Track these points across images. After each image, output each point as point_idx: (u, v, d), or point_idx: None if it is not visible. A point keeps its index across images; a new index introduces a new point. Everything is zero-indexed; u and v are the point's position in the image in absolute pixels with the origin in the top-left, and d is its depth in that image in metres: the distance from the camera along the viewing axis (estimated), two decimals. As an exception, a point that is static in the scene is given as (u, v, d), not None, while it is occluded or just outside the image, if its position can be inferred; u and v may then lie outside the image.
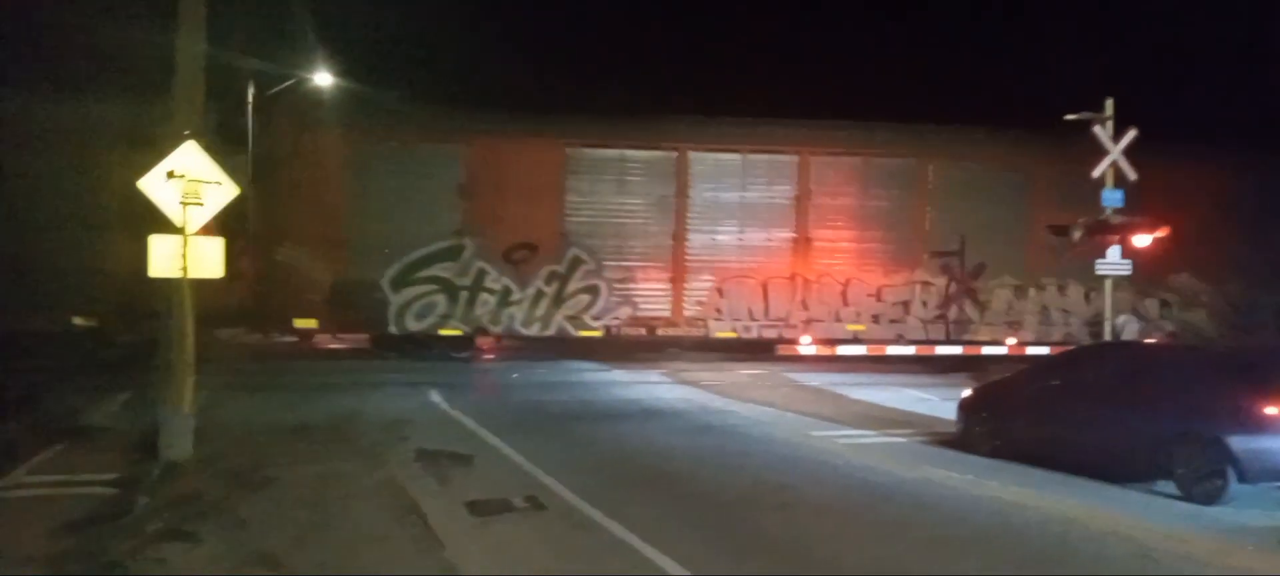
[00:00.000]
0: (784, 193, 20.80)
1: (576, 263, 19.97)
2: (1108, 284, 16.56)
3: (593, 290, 20.02)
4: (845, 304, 20.81)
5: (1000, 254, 21.28)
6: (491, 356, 20.85)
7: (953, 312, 21.17)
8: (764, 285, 20.57)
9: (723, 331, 20.44)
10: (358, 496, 8.36)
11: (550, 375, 18.37)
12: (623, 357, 20.28)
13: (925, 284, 21.09)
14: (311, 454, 10.15)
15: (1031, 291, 21.41)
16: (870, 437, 12.12)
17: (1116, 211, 16.07)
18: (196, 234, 9.36)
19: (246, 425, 11.88)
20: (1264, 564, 6.92)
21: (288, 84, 22.00)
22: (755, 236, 20.63)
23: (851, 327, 20.79)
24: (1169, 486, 8.96)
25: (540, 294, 19.86)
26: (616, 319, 20.12)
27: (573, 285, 19.95)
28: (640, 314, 20.24)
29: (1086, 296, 21.06)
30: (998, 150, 21.22)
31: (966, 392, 12.13)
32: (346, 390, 15.22)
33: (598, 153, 20.28)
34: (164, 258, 9.27)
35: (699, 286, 20.38)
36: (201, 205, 9.33)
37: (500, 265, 19.70)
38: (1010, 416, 10.92)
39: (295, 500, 8.16)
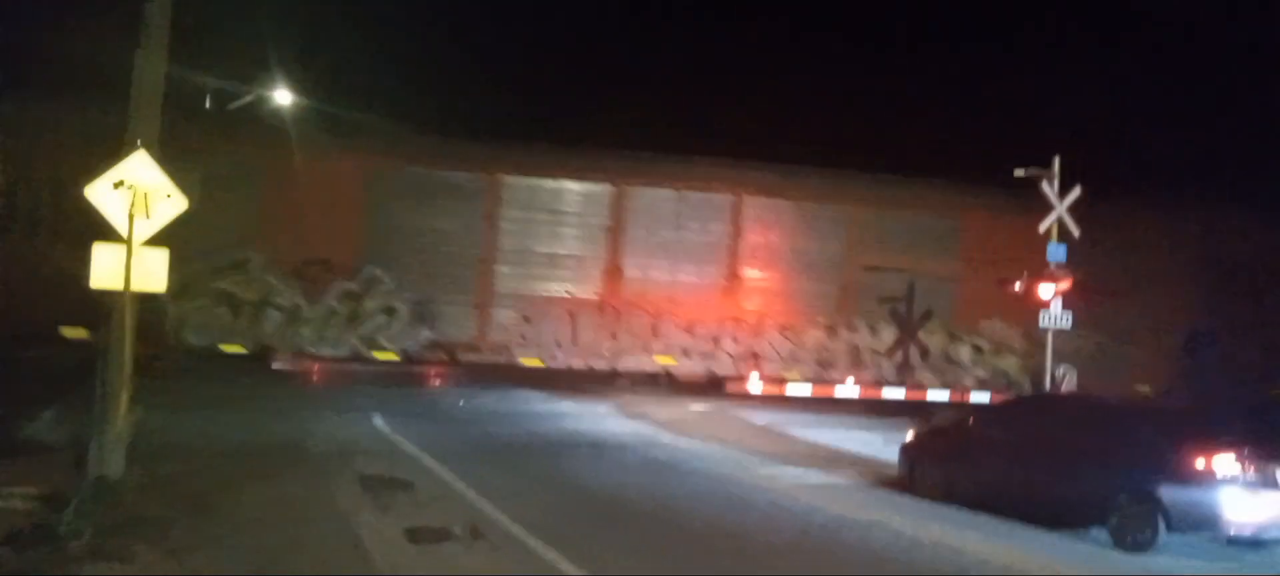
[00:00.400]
0: (598, 219, 20.68)
1: (373, 282, 19.52)
2: (1049, 336, 16.99)
3: (390, 311, 19.57)
4: (654, 336, 20.71)
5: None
6: (438, 382, 20.63)
7: (898, 358, 21.53)
8: (572, 314, 20.40)
9: (528, 359, 20.25)
10: (296, 521, 8.18)
11: (497, 404, 18.23)
12: (571, 389, 20.20)
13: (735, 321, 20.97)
14: (249, 476, 9.92)
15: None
16: (817, 477, 12.21)
17: (1059, 266, 16.53)
18: (143, 245, 9.15)
19: (185, 444, 11.59)
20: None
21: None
22: (569, 263, 20.42)
23: (661, 360, 20.78)
24: (1102, 534, 9.16)
25: (332, 312, 19.28)
26: (414, 342, 19.71)
27: (369, 304, 19.49)
28: (442, 338, 19.89)
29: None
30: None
31: (909, 437, 12.30)
32: (289, 413, 14.92)
33: (409, 171, 19.85)
34: (107, 268, 9.03)
35: (504, 313, 20.11)
36: (149, 217, 9.14)
37: (290, 280, 19.00)
38: (951, 462, 11.08)
39: (231, 524, 7.96)
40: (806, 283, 21.53)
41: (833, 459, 13.92)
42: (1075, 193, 16.58)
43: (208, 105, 20.41)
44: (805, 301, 21.50)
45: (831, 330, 21.53)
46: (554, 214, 20.44)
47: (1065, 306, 16.55)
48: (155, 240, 9.20)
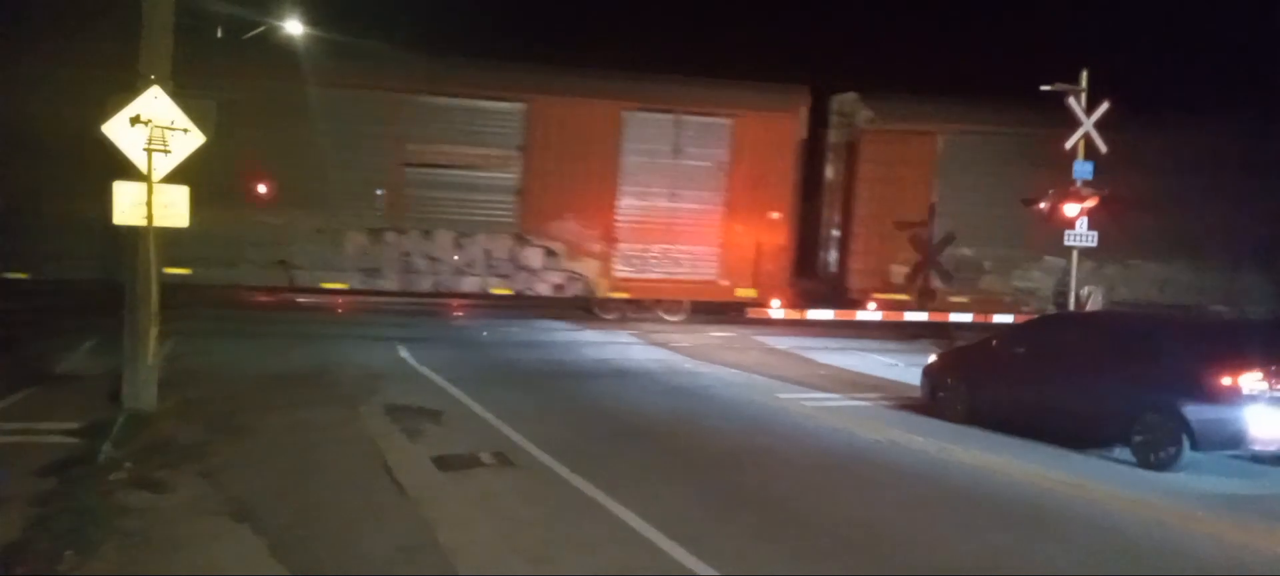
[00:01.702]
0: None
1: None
2: (1074, 255, 16.81)
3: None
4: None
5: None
6: (461, 314, 20.79)
7: (919, 281, 21.40)
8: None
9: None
10: (327, 448, 8.35)
11: (520, 334, 18.36)
12: (594, 318, 20.30)
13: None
14: (279, 405, 10.10)
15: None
16: (839, 401, 12.28)
17: (1086, 183, 16.27)
18: (161, 182, 9.19)
19: (215, 375, 11.81)
20: (1219, 529, 7.13)
21: None
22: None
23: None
24: (1125, 453, 9.18)
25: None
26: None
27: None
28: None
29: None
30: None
31: (931, 359, 12.30)
32: (315, 344, 15.12)
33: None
34: (128, 205, 9.09)
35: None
36: (168, 152, 9.15)
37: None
38: (975, 383, 11.09)
39: (263, 451, 8.14)
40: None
41: (854, 382, 13.98)
42: (1103, 108, 16.22)
43: (219, 35, 20.29)
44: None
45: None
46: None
47: (1091, 226, 16.35)
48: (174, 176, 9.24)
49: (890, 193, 20.97)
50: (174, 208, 9.33)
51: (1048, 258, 20.61)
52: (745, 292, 20.56)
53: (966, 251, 21.23)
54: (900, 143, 20.84)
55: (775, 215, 20.62)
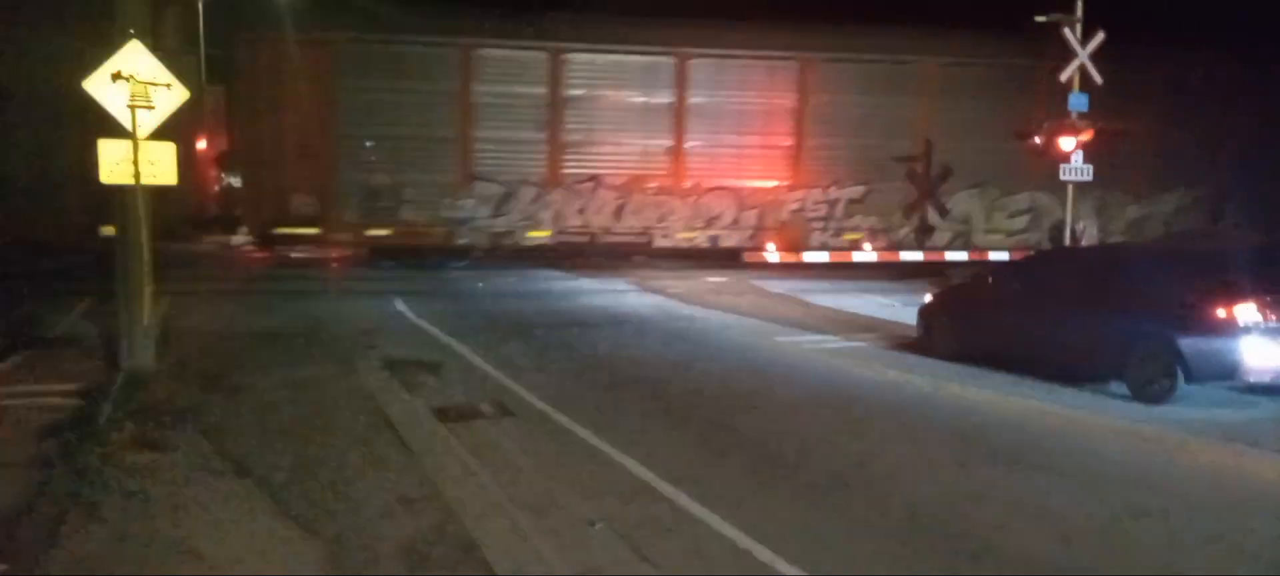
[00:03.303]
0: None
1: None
2: (1070, 189, 16.78)
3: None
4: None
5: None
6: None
7: (915, 220, 21.38)
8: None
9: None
10: (326, 403, 8.37)
11: (516, 284, 18.36)
12: (589, 266, 20.29)
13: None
14: (277, 361, 10.11)
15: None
16: (835, 342, 12.33)
17: (1081, 116, 16.18)
18: (147, 139, 9.08)
19: (212, 333, 11.82)
20: (1213, 457, 7.21)
21: None
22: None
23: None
24: (1121, 387, 9.25)
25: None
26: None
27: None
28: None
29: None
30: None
31: (927, 298, 12.32)
32: (312, 298, 15.11)
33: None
34: (114, 163, 9.00)
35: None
36: (151, 108, 9.03)
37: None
38: (970, 321, 11.13)
39: (262, 407, 8.16)
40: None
41: (850, 324, 14.02)
42: (1098, 38, 16.06)
43: None
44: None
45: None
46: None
47: (1086, 160, 16.29)
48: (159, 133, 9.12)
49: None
50: (161, 165, 9.23)
51: (479, 183, 19.87)
52: None
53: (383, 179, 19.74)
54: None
55: None
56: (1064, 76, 16.16)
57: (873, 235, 21.21)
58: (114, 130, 8.98)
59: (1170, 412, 8.55)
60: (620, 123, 20.32)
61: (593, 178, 20.24)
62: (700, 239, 20.82)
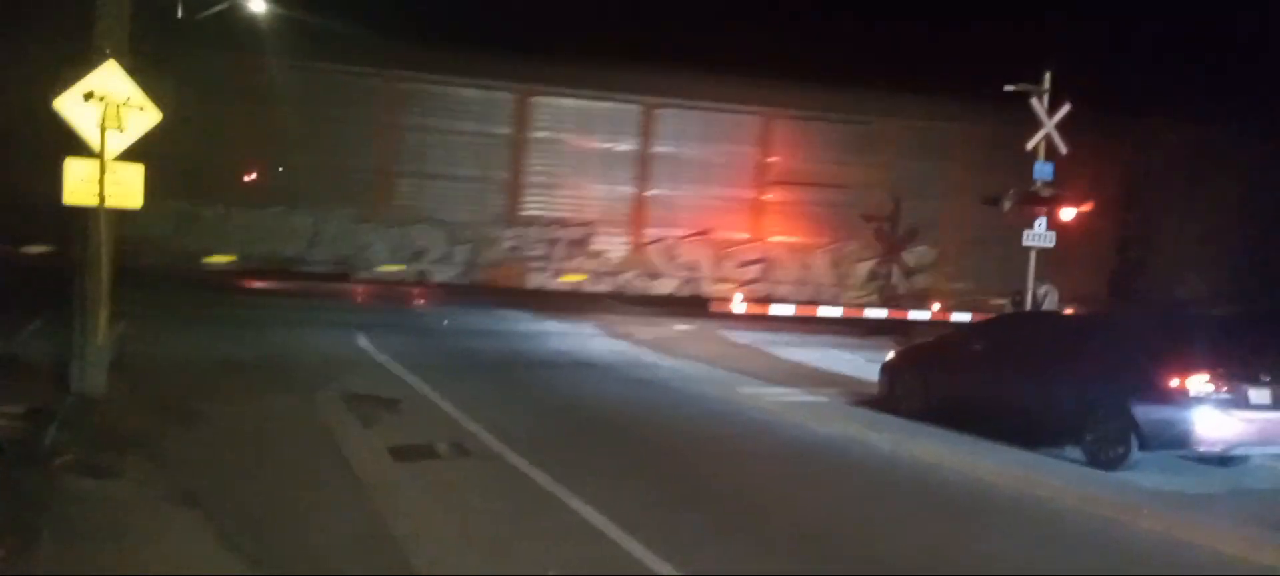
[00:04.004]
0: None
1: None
2: (1032, 255, 17.06)
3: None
4: None
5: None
6: (423, 302, 20.61)
7: (881, 277, 21.66)
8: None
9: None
10: (281, 436, 8.23)
11: (481, 322, 18.25)
12: (557, 308, 20.24)
13: None
14: (233, 391, 9.94)
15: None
16: (798, 396, 12.36)
17: (1046, 184, 16.51)
18: (116, 160, 8.96)
19: (167, 359, 11.59)
20: (1164, 525, 7.28)
21: None
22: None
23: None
24: (1077, 452, 9.35)
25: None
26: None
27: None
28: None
29: None
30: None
31: (890, 355, 12.42)
32: (274, 327, 14.90)
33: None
34: (80, 184, 8.86)
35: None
36: (122, 131, 8.93)
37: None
38: (932, 380, 11.22)
39: (216, 438, 8.00)
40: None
41: (814, 377, 14.08)
42: (1065, 109, 16.46)
43: (180, 14, 19.83)
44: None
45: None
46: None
47: (1049, 227, 16.60)
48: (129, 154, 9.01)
49: None
50: (127, 187, 9.10)
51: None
52: None
53: None
54: None
55: None
56: (1030, 145, 16.52)
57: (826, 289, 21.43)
58: (82, 149, 8.86)
59: (1125, 479, 8.64)
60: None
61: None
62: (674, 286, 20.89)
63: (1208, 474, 9.08)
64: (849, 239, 21.39)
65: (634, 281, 20.74)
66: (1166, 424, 8.81)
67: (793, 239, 21.47)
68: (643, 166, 20.64)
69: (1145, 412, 8.86)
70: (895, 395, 11.59)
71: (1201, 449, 8.88)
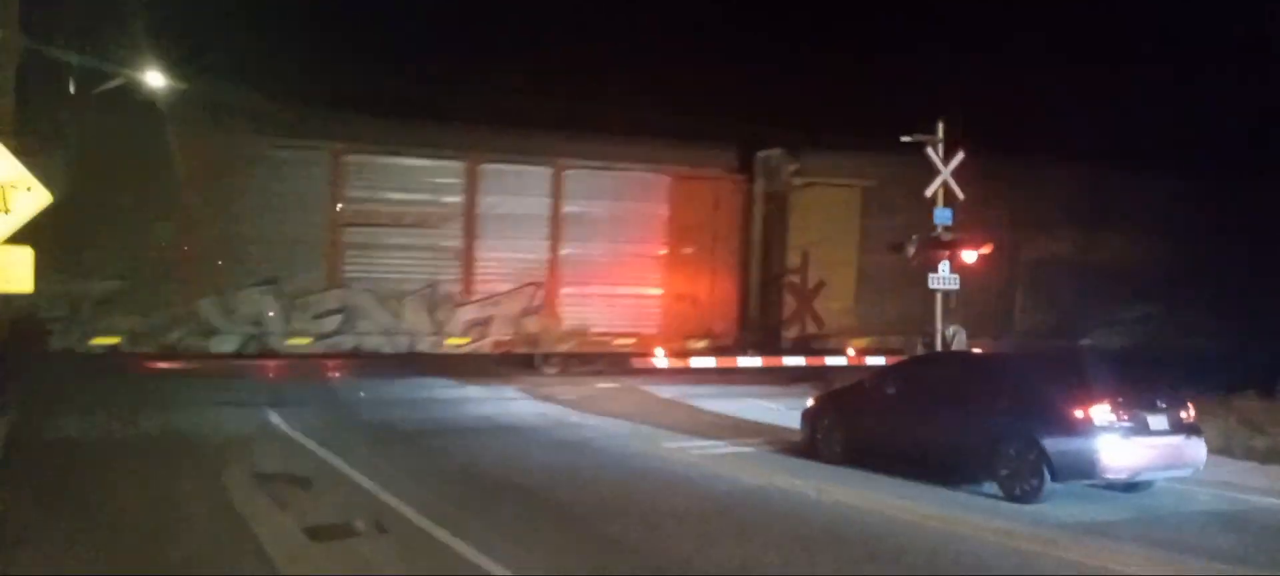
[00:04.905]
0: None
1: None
2: (938, 297, 17.59)
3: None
4: None
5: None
6: (337, 374, 20.05)
7: (795, 327, 22.07)
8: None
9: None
10: (188, 523, 7.83)
11: (401, 392, 17.84)
12: (478, 374, 19.94)
13: None
14: (135, 476, 9.44)
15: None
16: (722, 447, 12.38)
17: (946, 229, 17.10)
18: (4, 243, 8.52)
19: (64, 444, 10.98)
20: (1078, 554, 7.49)
21: None
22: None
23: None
24: (993, 487, 9.57)
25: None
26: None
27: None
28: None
29: None
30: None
31: (810, 402, 12.58)
32: (177, 408, 14.26)
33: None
34: (-39, 268, 8.38)
35: None
36: (7, 212, 8.51)
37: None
38: (850, 425, 11.40)
39: (115, 527, 7.56)
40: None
41: (737, 428, 14.14)
42: (959, 157, 17.14)
43: (72, 90, 19.19)
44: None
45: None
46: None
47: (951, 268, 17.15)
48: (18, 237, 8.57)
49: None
50: (15, 269, 8.64)
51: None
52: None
53: None
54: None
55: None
56: (929, 192, 17.13)
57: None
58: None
59: (1040, 511, 8.87)
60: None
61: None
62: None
63: (1116, 500, 9.40)
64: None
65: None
66: (1075, 454, 9.10)
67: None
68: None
69: (1055, 444, 9.14)
70: (817, 441, 11.72)
71: (1109, 476, 9.20)
